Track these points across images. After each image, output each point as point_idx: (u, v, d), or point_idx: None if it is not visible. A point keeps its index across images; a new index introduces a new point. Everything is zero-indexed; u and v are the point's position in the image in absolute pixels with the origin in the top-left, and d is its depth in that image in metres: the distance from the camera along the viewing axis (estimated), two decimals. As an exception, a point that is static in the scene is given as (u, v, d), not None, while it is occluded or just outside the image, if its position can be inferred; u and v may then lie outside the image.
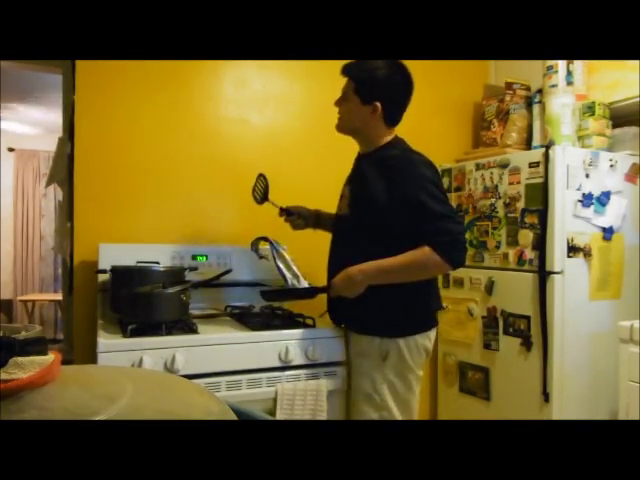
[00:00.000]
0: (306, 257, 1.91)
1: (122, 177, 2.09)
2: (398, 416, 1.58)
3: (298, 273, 1.75)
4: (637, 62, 2.11)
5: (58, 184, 2.34)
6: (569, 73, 2.28)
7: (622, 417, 1.79)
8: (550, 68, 2.30)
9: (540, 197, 2.05)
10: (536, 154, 2.10)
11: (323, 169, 1.98)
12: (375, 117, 1.60)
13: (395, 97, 1.62)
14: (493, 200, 2.27)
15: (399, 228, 1.53)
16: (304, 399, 1.61)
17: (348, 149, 1.78)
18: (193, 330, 1.62)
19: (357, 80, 1.61)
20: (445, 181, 2.56)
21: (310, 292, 1.73)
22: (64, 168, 2.20)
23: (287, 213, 1.87)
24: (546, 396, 2.02)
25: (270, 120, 2.37)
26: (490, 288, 2.26)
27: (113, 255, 1.90)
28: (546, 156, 2.03)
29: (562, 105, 2.23)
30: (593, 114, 2.20)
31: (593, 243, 2.08)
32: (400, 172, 1.54)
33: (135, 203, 2.12)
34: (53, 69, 2.46)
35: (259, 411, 0.78)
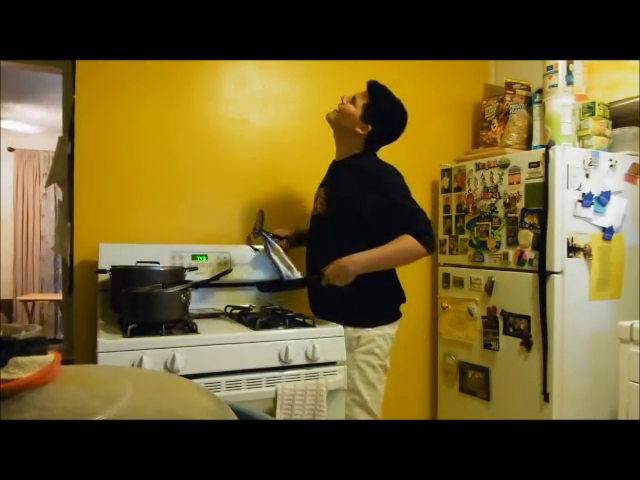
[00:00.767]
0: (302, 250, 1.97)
1: (122, 177, 2.09)
2: (368, 400, 1.77)
3: (291, 265, 1.90)
4: (637, 62, 2.11)
5: (58, 184, 2.34)
6: (569, 73, 2.27)
7: (622, 417, 1.79)
8: (550, 68, 2.30)
9: (540, 197, 2.05)
10: (536, 154, 2.11)
11: (323, 169, 1.98)
12: (362, 134, 1.84)
13: (385, 133, 1.86)
14: (493, 200, 2.27)
15: (373, 224, 1.75)
16: (304, 399, 1.61)
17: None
18: (193, 330, 1.62)
19: (372, 99, 1.83)
20: (445, 181, 2.56)
21: (303, 282, 1.89)
22: (64, 168, 2.20)
23: (278, 238, 2.05)
24: (546, 396, 2.02)
25: (270, 120, 2.37)
26: (490, 288, 2.26)
27: (113, 255, 1.90)
28: (546, 156, 2.03)
29: (562, 105, 2.23)
30: (593, 114, 2.20)
31: (593, 243, 2.08)
32: (377, 178, 1.78)
33: (135, 203, 2.12)
34: (53, 69, 2.46)
35: (259, 411, 0.78)
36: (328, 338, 1.71)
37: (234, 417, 0.62)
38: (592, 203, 2.07)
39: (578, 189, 2.05)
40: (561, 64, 2.27)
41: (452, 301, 2.46)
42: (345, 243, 1.77)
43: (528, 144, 2.42)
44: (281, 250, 1.93)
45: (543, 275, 2.03)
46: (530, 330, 2.09)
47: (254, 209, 2.11)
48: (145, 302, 1.61)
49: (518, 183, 2.16)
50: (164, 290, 1.63)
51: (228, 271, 1.87)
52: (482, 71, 2.87)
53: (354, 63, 2.29)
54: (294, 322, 1.78)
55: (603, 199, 2.09)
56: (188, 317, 1.69)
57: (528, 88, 2.50)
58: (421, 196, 2.37)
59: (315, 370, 1.67)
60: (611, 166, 2.13)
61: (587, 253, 2.07)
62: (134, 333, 1.53)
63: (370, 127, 1.82)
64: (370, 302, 1.80)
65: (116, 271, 1.81)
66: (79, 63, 2.03)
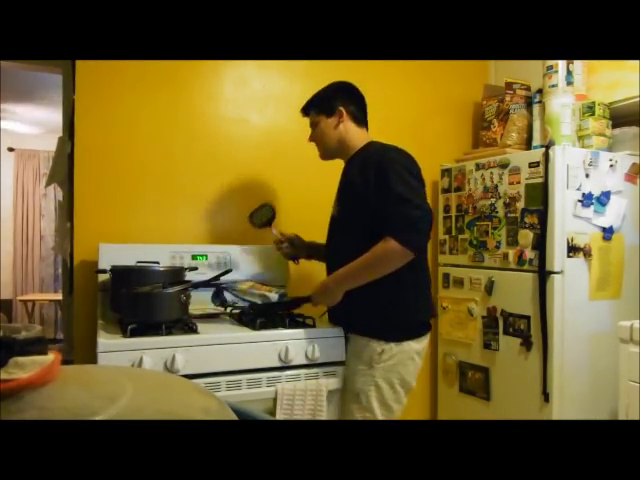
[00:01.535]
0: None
1: (122, 177, 2.09)
2: None
3: (267, 289, 1.83)
4: (637, 62, 2.11)
5: (58, 184, 2.34)
6: (569, 73, 2.27)
7: (622, 417, 1.79)
8: (550, 68, 2.30)
9: (540, 197, 2.05)
10: (536, 154, 2.10)
11: (323, 169, 1.98)
12: (345, 121, 1.75)
13: (351, 97, 1.77)
14: (493, 200, 2.27)
15: (382, 217, 1.56)
16: (304, 399, 1.61)
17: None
18: (193, 330, 1.62)
19: (316, 105, 1.78)
20: (445, 181, 2.56)
21: (295, 303, 1.81)
22: (64, 168, 2.20)
23: (279, 240, 2.02)
24: (546, 396, 2.02)
25: (270, 120, 2.37)
26: (490, 288, 2.26)
27: (113, 255, 1.90)
28: (546, 156, 2.03)
29: (562, 105, 2.23)
30: (593, 114, 2.20)
31: (593, 243, 2.08)
32: (375, 161, 1.63)
33: (135, 203, 2.12)
34: (53, 69, 2.46)
35: (259, 411, 0.78)
36: (328, 338, 1.71)
37: (234, 417, 0.62)
38: (592, 203, 2.07)
39: (578, 189, 2.05)
40: (561, 64, 2.27)
41: (452, 301, 2.46)
42: (359, 240, 1.63)
43: (528, 144, 2.42)
44: (246, 285, 1.85)
45: (543, 275, 2.03)
46: (530, 330, 2.09)
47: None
48: (145, 302, 1.62)
49: (518, 183, 2.15)
50: (164, 290, 1.63)
51: (228, 271, 1.87)
52: (482, 71, 2.87)
53: (354, 63, 2.28)
54: (294, 322, 1.78)
55: (603, 199, 2.09)
56: (188, 317, 1.69)
57: (528, 88, 2.50)
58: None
59: (315, 370, 1.68)
60: (611, 166, 2.13)
61: (587, 253, 2.07)
62: (134, 333, 1.53)
63: (340, 107, 1.73)
64: (393, 314, 1.65)
65: (116, 271, 1.81)
66: (79, 63, 2.03)
